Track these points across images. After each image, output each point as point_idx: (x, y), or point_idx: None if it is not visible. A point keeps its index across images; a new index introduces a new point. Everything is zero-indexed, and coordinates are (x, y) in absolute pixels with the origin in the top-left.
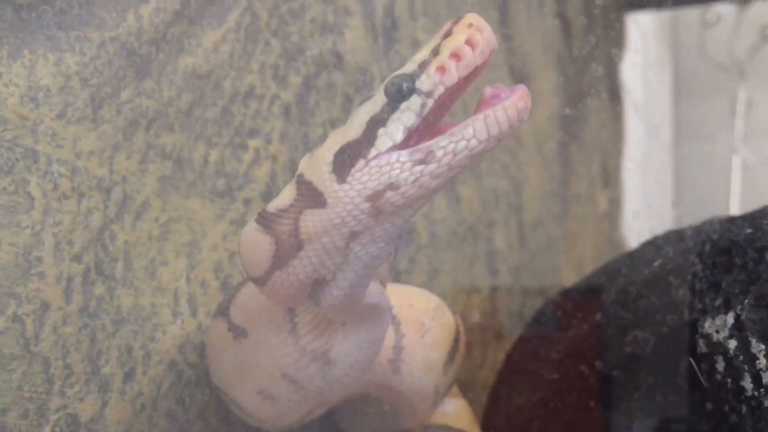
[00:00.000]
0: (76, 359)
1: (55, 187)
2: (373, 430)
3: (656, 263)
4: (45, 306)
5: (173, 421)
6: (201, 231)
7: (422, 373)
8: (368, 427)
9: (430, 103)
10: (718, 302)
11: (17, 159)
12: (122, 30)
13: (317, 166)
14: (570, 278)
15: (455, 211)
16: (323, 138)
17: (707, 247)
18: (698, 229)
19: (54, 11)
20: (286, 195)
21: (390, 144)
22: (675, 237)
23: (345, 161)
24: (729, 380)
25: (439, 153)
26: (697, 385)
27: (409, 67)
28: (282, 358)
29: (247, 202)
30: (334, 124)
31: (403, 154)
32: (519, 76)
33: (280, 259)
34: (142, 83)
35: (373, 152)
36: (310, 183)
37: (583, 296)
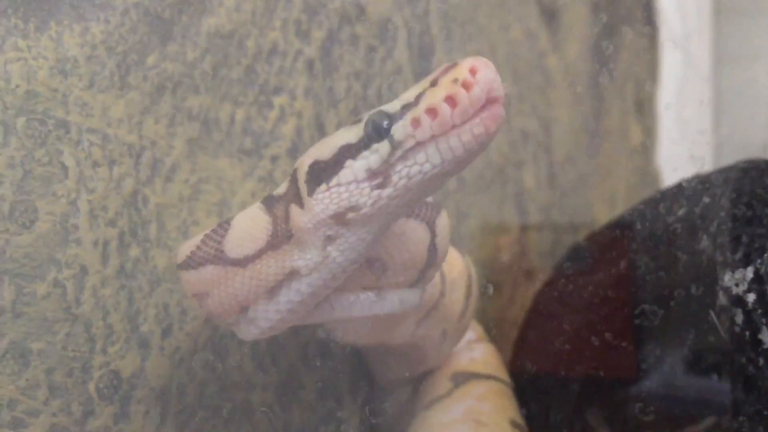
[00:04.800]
0: (116, 319)
1: (88, 156)
2: (398, 374)
3: (681, 211)
4: (84, 270)
5: (212, 372)
6: (230, 190)
7: (436, 322)
8: (392, 370)
9: (399, 153)
10: (738, 256)
11: (50, 131)
12: None
13: (300, 170)
14: (602, 213)
15: (483, 154)
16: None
17: (730, 198)
18: (724, 176)
19: None
20: (283, 185)
21: (351, 179)
22: (700, 184)
23: (314, 177)
24: (747, 333)
25: (395, 177)
26: (718, 337)
27: (394, 106)
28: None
29: (274, 159)
30: (358, 76)
31: (362, 179)
32: (548, 11)
33: (275, 240)
34: (167, 47)
35: (335, 180)
36: (296, 181)
37: (609, 240)
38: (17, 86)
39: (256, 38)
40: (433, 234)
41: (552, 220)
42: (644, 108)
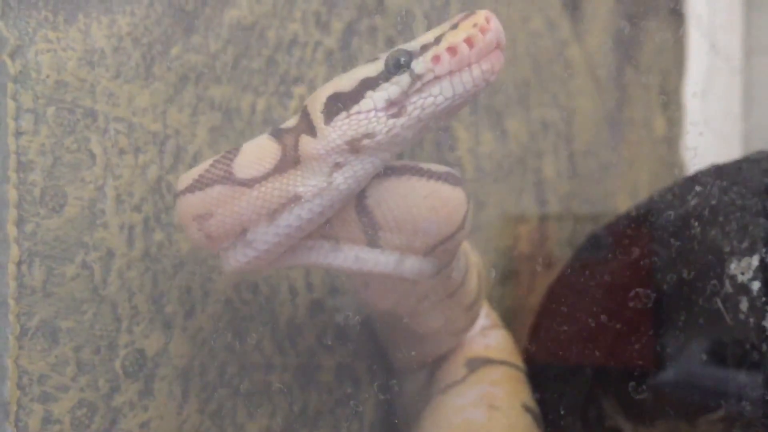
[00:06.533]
0: (141, 300)
1: (114, 144)
2: (408, 357)
3: (693, 201)
4: (110, 253)
5: (232, 353)
6: None
7: (446, 309)
8: (403, 353)
9: (418, 84)
10: (744, 245)
11: (78, 119)
12: None
13: (314, 103)
14: (625, 204)
15: (502, 144)
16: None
17: (740, 188)
18: (737, 167)
19: None
20: (293, 119)
21: (371, 107)
22: (713, 174)
23: (333, 107)
24: (751, 320)
25: (410, 108)
26: (725, 325)
27: (413, 46)
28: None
29: None
30: None
31: (380, 108)
32: (571, 1)
33: (282, 165)
34: (190, 39)
35: (355, 109)
36: (308, 115)
37: (623, 230)
38: (47, 76)
39: (276, 29)
40: (362, 195)
41: (572, 209)
42: (670, 98)
